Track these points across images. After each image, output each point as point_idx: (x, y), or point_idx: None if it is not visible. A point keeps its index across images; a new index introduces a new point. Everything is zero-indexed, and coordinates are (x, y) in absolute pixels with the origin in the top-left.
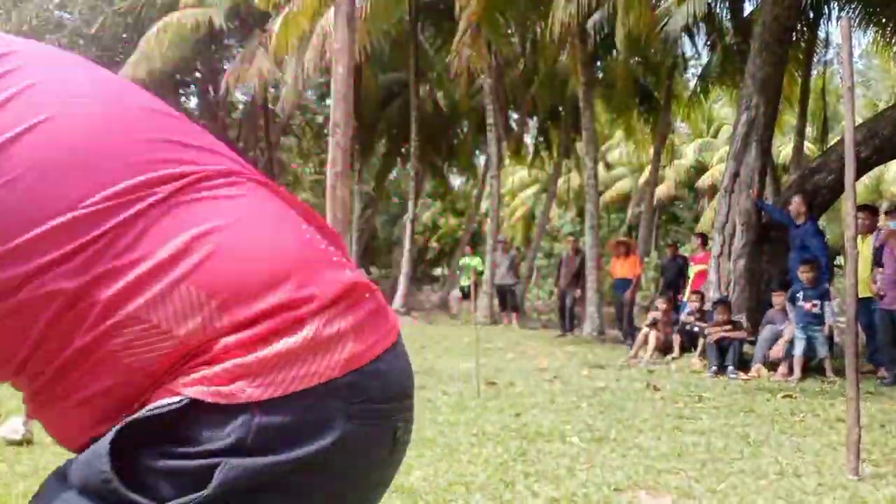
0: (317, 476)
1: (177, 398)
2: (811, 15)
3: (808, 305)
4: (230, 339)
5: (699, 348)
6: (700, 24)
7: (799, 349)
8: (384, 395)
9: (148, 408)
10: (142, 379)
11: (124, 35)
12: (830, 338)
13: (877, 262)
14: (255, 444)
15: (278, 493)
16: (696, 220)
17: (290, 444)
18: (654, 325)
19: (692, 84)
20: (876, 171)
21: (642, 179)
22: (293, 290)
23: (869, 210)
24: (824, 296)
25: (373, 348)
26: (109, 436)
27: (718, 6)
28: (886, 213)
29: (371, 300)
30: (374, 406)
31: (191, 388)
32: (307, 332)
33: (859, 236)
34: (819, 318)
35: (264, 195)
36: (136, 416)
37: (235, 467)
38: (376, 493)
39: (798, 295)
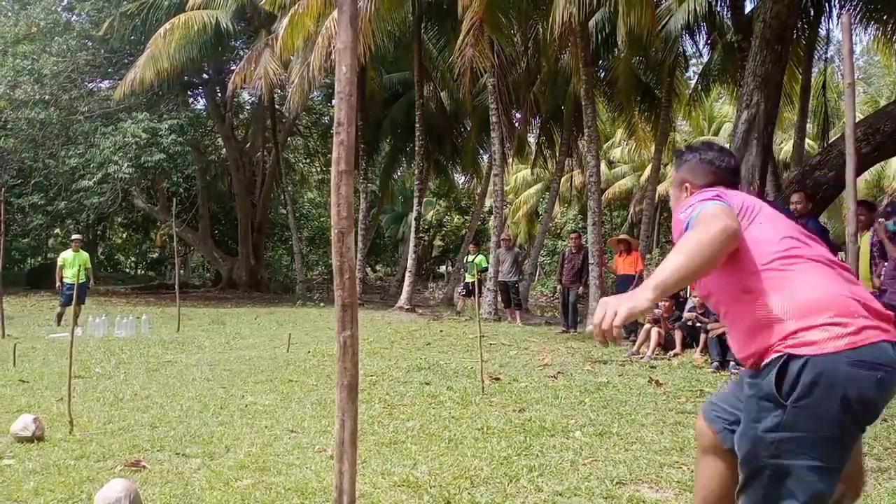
0: None
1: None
2: (811, 12)
3: None
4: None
5: (701, 344)
6: (701, 22)
7: None
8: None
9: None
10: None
11: (132, 37)
12: None
13: (881, 255)
14: None
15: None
16: None
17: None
18: (656, 321)
19: (693, 82)
20: (877, 166)
21: (644, 177)
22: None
23: (865, 206)
24: None
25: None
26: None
27: (719, 4)
28: (885, 215)
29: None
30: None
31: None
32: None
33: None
34: None
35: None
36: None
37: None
38: None
39: None
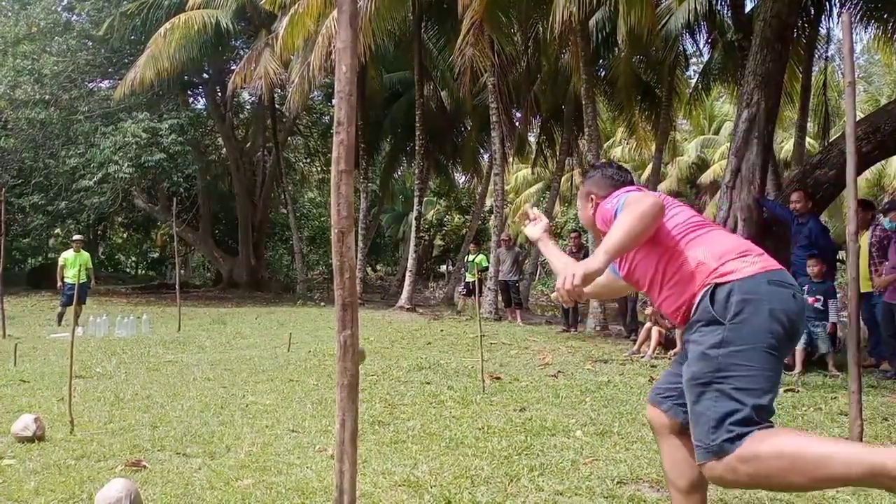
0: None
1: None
2: (812, 11)
3: (811, 300)
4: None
5: None
6: (701, 21)
7: (799, 343)
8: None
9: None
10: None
11: (132, 37)
12: (834, 335)
13: (881, 255)
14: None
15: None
16: None
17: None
18: (656, 320)
19: (693, 81)
20: (877, 165)
21: (644, 176)
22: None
23: (863, 205)
24: (829, 293)
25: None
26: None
27: (719, 3)
28: (883, 211)
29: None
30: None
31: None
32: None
33: None
34: (822, 315)
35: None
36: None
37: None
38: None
39: (803, 289)
